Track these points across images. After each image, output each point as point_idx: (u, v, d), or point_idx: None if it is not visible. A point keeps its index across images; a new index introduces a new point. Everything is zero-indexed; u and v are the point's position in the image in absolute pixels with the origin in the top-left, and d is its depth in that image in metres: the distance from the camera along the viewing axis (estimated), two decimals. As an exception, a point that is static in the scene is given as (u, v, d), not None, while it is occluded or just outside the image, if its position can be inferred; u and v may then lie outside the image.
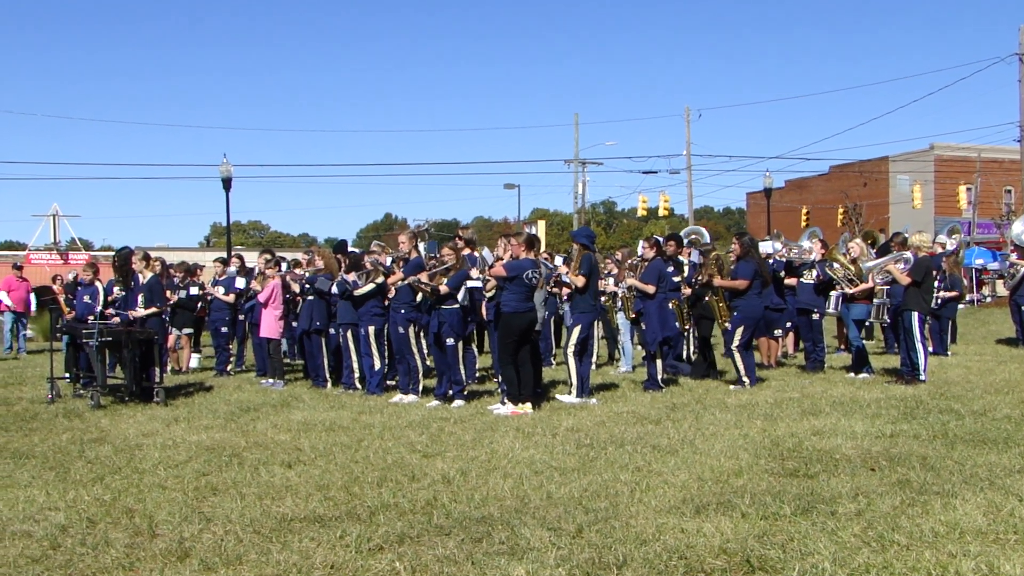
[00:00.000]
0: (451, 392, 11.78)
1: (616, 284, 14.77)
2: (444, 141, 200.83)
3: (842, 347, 17.12)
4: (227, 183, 33.00)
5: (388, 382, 13.03)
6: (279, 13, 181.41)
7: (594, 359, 14.68)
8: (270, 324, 14.62)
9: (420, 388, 12.33)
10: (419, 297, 12.10)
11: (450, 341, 11.71)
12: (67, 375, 14.41)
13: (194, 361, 17.52)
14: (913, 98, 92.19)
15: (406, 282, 11.93)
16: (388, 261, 12.74)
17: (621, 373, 14.80)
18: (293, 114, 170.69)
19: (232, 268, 16.92)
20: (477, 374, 14.16)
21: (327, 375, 13.85)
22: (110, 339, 12.43)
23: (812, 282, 14.73)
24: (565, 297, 14.14)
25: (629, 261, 14.48)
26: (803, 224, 48.43)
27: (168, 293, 15.37)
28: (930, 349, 14.20)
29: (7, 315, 22.56)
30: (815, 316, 14.70)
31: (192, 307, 16.87)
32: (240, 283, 16.21)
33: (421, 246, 12.58)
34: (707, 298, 14.06)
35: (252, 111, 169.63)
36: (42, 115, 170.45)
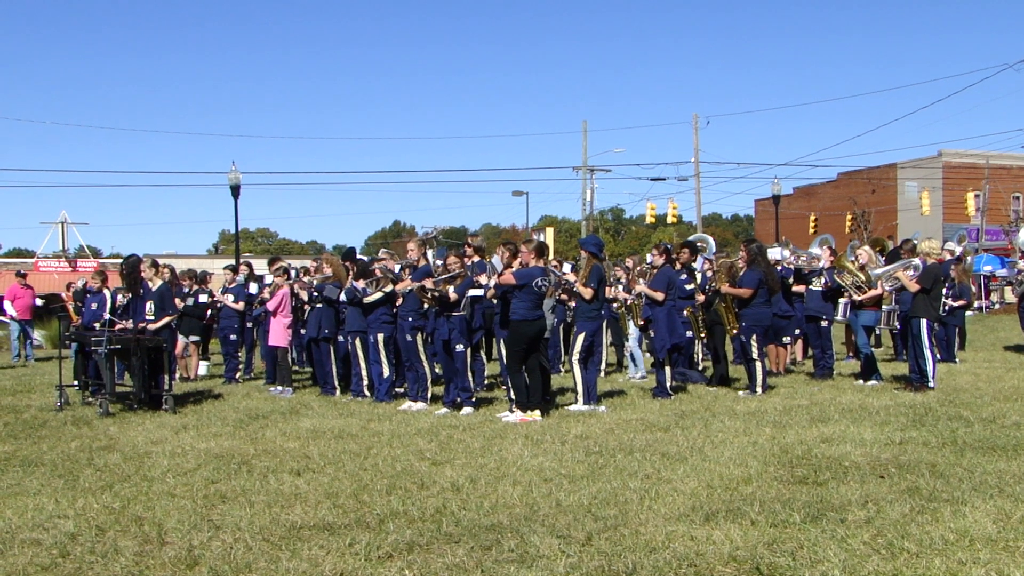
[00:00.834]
0: (460, 399, 11.79)
1: (627, 291, 14.75)
2: (452, 148, 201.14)
3: (851, 354, 17.08)
4: (235, 190, 33.05)
5: (397, 389, 13.04)
6: (287, 21, 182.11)
7: (602, 366, 14.70)
8: (278, 332, 14.64)
9: (429, 395, 12.33)
10: (426, 304, 12.11)
11: (459, 348, 11.72)
12: (76, 383, 14.43)
13: (203, 368, 17.55)
14: (921, 105, 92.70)
15: (411, 288, 11.93)
16: (397, 268, 12.75)
17: (638, 380, 14.75)
18: (301, 121, 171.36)
19: (241, 276, 16.95)
20: (486, 381, 14.16)
21: (336, 383, 13.86)
22: (119, 347, 12.45)
23: (820, 289, 14.71)
24: (574, 305, 14.14)
25: (638, 268, 14.48)
26: (811, 231, 48.47)
27: (176, 300, 15.39)
28: (938, 356, 14.16)
29: (13, 324, 22.62)
30: (824, 323, 14.67)
31: (200, 315, 16.87)
32: (253, 288, 16.25)
33: (429, 253, 12.59)
34: (714, 305, 14.05)
35: (260, 118, 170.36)
36: (50, 122, 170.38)
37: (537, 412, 10.93)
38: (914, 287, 12.42)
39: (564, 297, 14.18)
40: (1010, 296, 39.82)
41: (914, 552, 5.40)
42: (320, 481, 7.75)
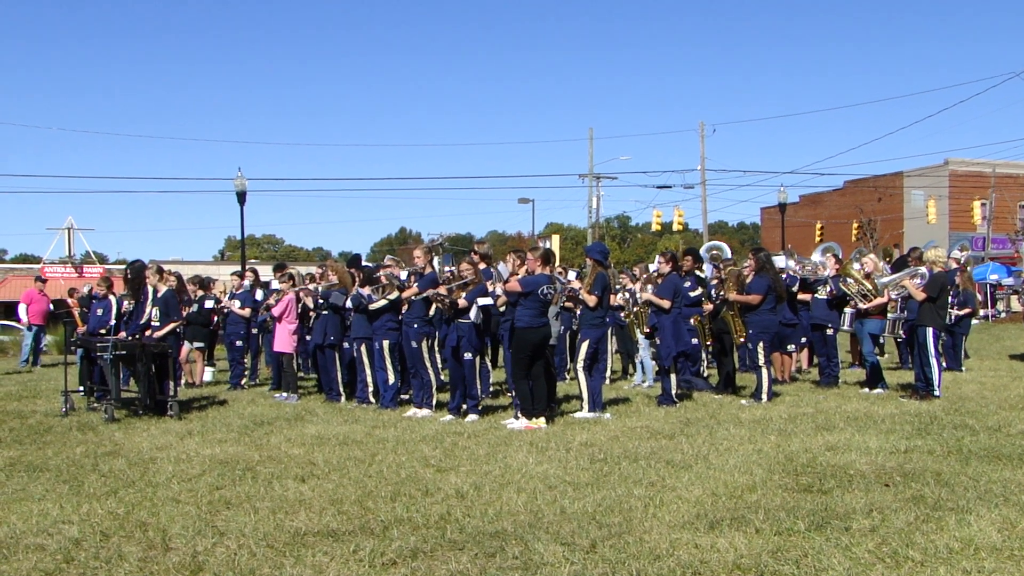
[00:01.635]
0: (465, 406, 11.79)
1: (635, 301, 14.71)
2: (458, 155, 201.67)
3: (856, 362, 17.06)
4: (242, 197, 33.13)
5: (402, 396, 13.04)
6: (295, 28, 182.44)
7: (608, 374, 14.67)
8: (284, 338, 14.66)
9: (434, 402, 12.33)
10: (432, 311, 12.11)
11: (468, 355, 11.71)
12: (81, 388, 14.46)
13: (208, 375, 17.57)
14: (927, 113, 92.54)
15: (425, 295, 11.93)
16: (403, 275, 12.77)
17: (646, 388, 14.73)
18: (308, 128, 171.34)
19: (247, 282, 16.99)
20: (491, 388, 14.16)
21: (341, 389, 13.86)
22: (124, 353, 12.47)
23: (826, 298, 14.70)
24: (579, 312, 14.14)
25: (644, 276, 14.49)
26: (817, 239, 48.36)
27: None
28: (944, 365, 14.14)
29: (27, 330, 22.67)
30: (829, 331, 14.66)
31: (204, 321, 16.87)
32: (259, 295, 16.29)
33: (435, 260, 12.60)
34: (721, 313, 14.05)
35: (267, 125, 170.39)
36: (56, 128, 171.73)
37: (542, 419, 10.93)
38: (921, 296, 12.41)
39: (569, 304, 14.19)
40: (1016, 305, 39.83)
41: (919, 561, 5.39)
42: (324, 487, 7.75)
